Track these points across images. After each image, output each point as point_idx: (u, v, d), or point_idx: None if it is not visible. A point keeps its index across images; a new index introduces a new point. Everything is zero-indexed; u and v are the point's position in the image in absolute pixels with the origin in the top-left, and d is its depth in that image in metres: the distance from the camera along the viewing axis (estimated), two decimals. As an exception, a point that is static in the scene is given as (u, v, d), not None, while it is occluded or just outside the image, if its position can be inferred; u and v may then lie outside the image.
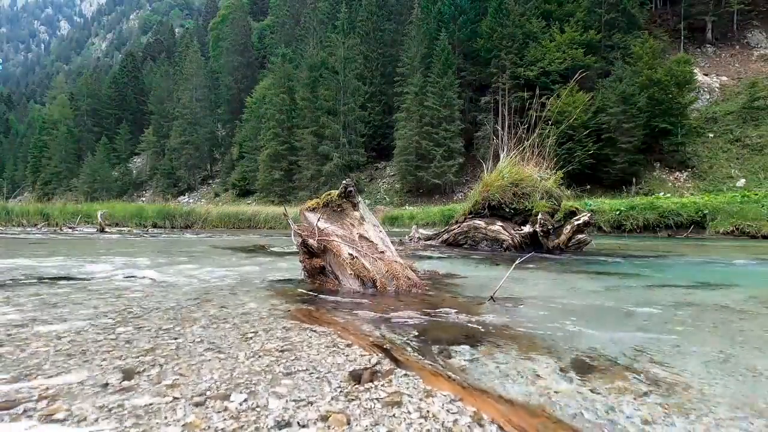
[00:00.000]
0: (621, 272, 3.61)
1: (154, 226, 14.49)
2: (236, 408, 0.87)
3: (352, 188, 2.62)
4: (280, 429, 0.79)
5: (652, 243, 8.42)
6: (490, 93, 33.21)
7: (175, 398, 0.91)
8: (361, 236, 2.48)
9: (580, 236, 5.46)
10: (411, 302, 2.06)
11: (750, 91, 27.18)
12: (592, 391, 1.02)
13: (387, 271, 2.35)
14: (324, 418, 0.83)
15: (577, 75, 6.71)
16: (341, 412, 0.86)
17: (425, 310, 1.87)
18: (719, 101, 29.20)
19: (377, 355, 1.23)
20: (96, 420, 0.81)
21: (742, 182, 23.20)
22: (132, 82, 62.14)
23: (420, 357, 1.23)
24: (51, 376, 1.02)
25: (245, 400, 0.90)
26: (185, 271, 3.24)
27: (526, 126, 5.69)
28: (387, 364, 1.15)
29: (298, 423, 0.82)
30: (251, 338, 1.38)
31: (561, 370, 1.15)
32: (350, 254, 2.36)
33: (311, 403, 0.90)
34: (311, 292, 2.28)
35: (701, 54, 33.36)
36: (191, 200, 44.06)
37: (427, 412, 0.88)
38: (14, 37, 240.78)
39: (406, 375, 1.07)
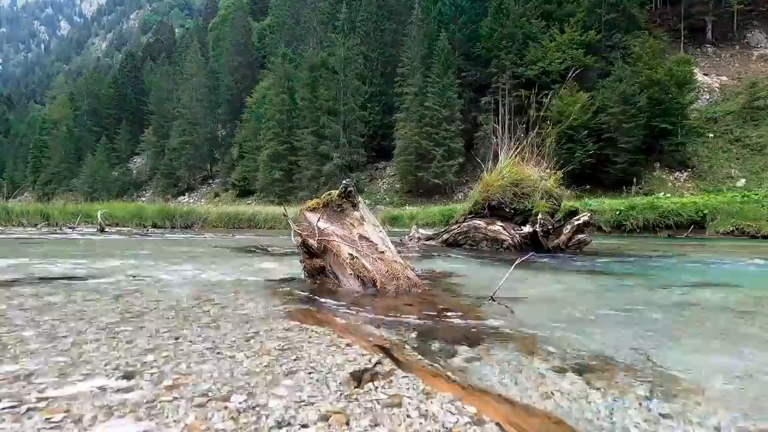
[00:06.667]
0: (621, 272, 3.60)
1: (154, 226, 14.47)
2: (236, 408, 0.87)
3: (352, 188, 2.62)
4: (280, 429, 0.79)
5: (652, 243, 8.42)
6: (490, 93, 33.21)
7: (175, 398, 0.91)
8: (361, 236, 2.47)
9: (580, 236, 5.46)
10: (411, 302, 2.06)
11: (750, 91, 27.21)
12: (592, 391, 1.01)
13: (387, 271, 2.35)
14: (324, 419, 0.83)
15: (571, 72, 6.74)
16: (341, 413, 0.86)
17: (425, 310, 1.87)
18: (719, 101, 29.21)
19: (377, 355, 1.22)
20: (95, 419, 0.81)
21: (742, 182, 23.21)
22: (132, 82, 62.13)
23: (420, 357, 1.23)
24: (50, 376, 1.02)
25: (245, 401, 0.90)
26: (185, 271, 3.23)
27: (525, 125, 5.70)
28: (387, 365, 1.15)
29: (299, 423, 0.81)
30: (251, 338, 1.38)
31: (561, 370, 1.14)
32: (350, 254, 2.36)
33: (312, 403, 0.90)
34: (311, 292, 2.28)
35: (701, 54, 33.37)
36: (191, 200, 44.06)
37: (427, 412, 0.87)
38: (14, 37, 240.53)
39: (406, 376, 1.07)
